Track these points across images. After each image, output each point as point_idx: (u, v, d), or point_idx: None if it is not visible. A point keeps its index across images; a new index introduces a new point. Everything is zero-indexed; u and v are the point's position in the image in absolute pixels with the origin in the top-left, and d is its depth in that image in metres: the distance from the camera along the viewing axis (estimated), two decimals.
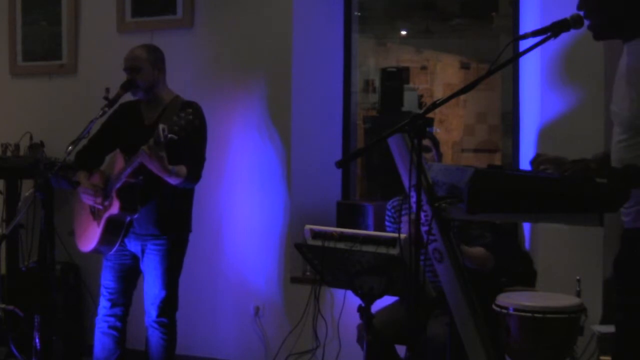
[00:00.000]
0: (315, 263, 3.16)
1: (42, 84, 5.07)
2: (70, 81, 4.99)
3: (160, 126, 3.27)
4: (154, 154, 3.33)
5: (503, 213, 2.44)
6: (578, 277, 3.49)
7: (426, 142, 3.53)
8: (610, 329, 3.48)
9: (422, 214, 2.46)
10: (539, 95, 3.92)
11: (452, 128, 7.56)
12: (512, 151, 4.40)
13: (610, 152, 2.54)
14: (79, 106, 4.76)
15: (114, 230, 3.61)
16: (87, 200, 3.65)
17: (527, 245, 4.12)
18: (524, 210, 2.37)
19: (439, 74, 7.68)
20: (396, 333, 3.42)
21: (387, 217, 3.81)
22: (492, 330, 2.90)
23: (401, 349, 3.60)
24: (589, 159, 2.50)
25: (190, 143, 3.46)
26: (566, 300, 3.26)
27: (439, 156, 3.72)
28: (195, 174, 3.61)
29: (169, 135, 3.26)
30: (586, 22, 2.50)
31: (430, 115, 2.97)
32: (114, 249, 3.66)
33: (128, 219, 3.60)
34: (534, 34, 2.44)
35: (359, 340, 3.52)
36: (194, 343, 4.56)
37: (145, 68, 3.66)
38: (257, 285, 4.52)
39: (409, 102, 5.78)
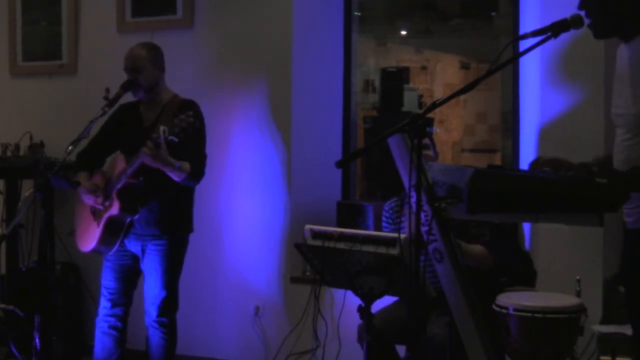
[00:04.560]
0: (315, 263, 3.16)
1: (42, 84, 5.07)
2: (70, 81, 4.99)
3: (161, 128, 3.27)
4: (154, 154, 3.34)
5: (503, 213, 2.44)
6: (578, 277, 3.49)
7: (425, 140, 3.53)
8: (610, 329, 3.49)
9: (422, 214, 2.46)
10: (539, 95, 3.93)
11: (452, 128, 7.56)
12: (512, 151, 4.40)
13: (613, 152, 2.54)
14: (79, 106, 4.76)
15: (114, 231, 3.61)
16: (88, 200, 3.65)
17: (527, 245, 4.12)
18: (524, 210, 2.37)
19: (439, 74, 7.69)
20: (396, 333, 3.42)
21: (384, 219, 3.81)
22: (492, 330, 2.90)
23: (401, 349, 3.60)
24: (591, 162, 2.51)
25: (190, 144, 3.46)
26: (566, 300, 3.26)
27: (436, 155, 3.73)
28: (197, 171, 3.61)
29: (170, 137, 3.27)
30: (586, 21, 2.50)
31: (430, 115, 2.97)
32: (114, 249, 3.66)
33: (128, 219, 3.60)
34: (534, 34, 2.44)
35: (359, 340, 3.52)
36: (194, 343, 4.57)
37: (146, 67, 3.65)
38: (257, 285, 4.52)
39: (409, 102, 5.78)
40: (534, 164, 2.64)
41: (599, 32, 2.55)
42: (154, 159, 3.35)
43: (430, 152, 3.61)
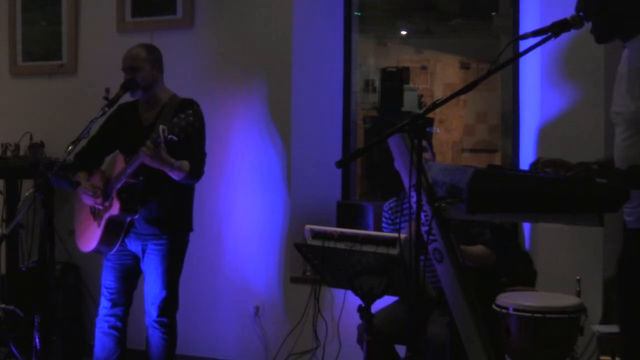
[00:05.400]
0: (315, 263, 3.16)
1: (42, 84, 5.07)
2: (70, 81, 4.99)
3: (161, 127, 3.27)
4: (153, 154, 3.34)
5: (503, 213, 2.44)
6: (578, 277, 3.49)
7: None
8: (610, 329, 3.49)
9: (422, 214, 2.46)
10: (539, 95, 3.93)
11: (452, 128, 7.56)
12: (512, 151, 4.40)
13: (614, 152, 2.54)
14: (79, 106, 4.76)
15: (114, 231, 3.61)
16: (87, 200, 3.66)
17: (527, 245, 4.12)
18: (524, 210, 2.37)
19: (439, 74, 7.68)
20: (396, 333, 3.42)
21: (383, 219, 3.81)
22: (492, 330, 2.90)
23: (401, 349, 3.60)
24: (591, 162, 2.51)
25: (189, 143, 3.46)
26: (566, 300, 3.26)
27: (433, 155, 3.74)
28: (197, 170, 3.61)
29: (169, 137, 3.27)
30: (587, 24, 2.50)
31: (430, 115, 2.97)
32: (115, 249, 3.66)
33: (128, 219, 3.60)
34: (534, 34, 2.44)
35: (359, 340, 3.52)
36: (194, 343, 4.56)
37: (145, 67, 3.65)
38: (257, 285, 4.52)
39: (409, 102, 5.78)
40: (534, 165, 2.64)
41: (601, 35, 2.55)
42: (152, 158, 3.35)
43: (427, 155, 3.61)
